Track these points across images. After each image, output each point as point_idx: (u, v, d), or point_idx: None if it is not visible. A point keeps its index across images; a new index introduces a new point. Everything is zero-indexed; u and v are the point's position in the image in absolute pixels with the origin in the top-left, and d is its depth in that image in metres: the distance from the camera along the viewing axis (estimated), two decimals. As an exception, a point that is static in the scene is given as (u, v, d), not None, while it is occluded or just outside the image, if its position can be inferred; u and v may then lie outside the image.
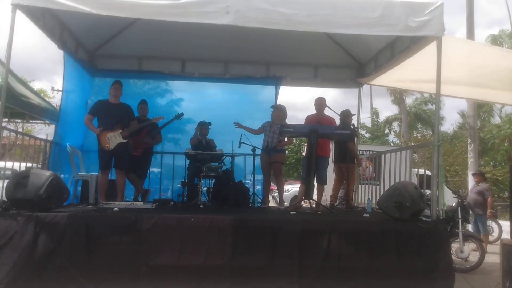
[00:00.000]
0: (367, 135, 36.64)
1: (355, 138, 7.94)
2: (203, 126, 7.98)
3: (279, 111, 7.78)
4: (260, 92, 9.09)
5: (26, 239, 4.56)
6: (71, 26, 7.12)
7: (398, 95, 33.00)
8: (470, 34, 14.48)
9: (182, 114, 7.71)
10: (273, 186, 11.54)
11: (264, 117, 8.01)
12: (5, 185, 5.05)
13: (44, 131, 23.28)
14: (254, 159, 7.67)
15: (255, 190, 7.92)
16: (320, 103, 7.39)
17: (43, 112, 7.99)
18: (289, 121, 7.81)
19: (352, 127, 7.45)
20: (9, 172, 6.86)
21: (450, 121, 53.93)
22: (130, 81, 8.73)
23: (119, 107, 6.70)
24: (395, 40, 7.05)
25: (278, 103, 8.56)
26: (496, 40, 22.06)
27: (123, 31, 8.17)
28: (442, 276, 4.95)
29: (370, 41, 7.69)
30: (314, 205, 6.49)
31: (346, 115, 7.67)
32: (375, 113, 38.72)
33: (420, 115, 34.03)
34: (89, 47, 8.37)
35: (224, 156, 7.52)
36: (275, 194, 11.83)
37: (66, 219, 4.70)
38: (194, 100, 9.15)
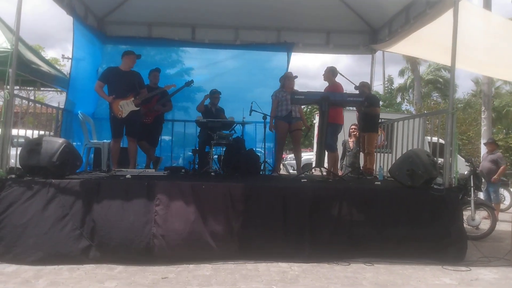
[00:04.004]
0: (380, 102, 36.08)
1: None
2: (214, 95, 7.92)
3: (290, 79, 7.61)
4: (272, 59, 8.95)
5: (40, 205, 4.64)
6: (78, -10, 7.04)
7: (410, 63, 32.34)
8: (487, 1, 13.99)
9: (192, 81, 7.65)
10: (283, 155, 11.55)
11: (275, 85, 7.85)
12: (18, 152, 5.10)
13: (56, 99, 23.24)
14: (264, 127, 7.60)
15: (265, 158, 7.90)
16: (328, 71, 7.27)
17: (54, 80, 7.97)
18: (300, 88, 7.71)
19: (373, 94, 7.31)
20: (22, 140, 6.92)
21: (463, 88, 52.98)
22: (142, 50, 8.67)
23: (130, 75, 6.64)
24: (411, 4, 6.87)
25: (289, 70, 8.44)
26: None
27: (132, -3, 8.05)
28: (454, 243, 4.98)
29: (384, 5, 7.49)
30: (325, 173, 6.48)
31: (363, 86, 7.58)
32: (389, 81, 38.03)
33: (436, 81, 33.25)
34: (99, 13, 8.28)
35: (235, 124, 7.49)
36: (285, 162, 11.86)
37: (80, 185, 4.76)
38: (205, 68, 9.06)
